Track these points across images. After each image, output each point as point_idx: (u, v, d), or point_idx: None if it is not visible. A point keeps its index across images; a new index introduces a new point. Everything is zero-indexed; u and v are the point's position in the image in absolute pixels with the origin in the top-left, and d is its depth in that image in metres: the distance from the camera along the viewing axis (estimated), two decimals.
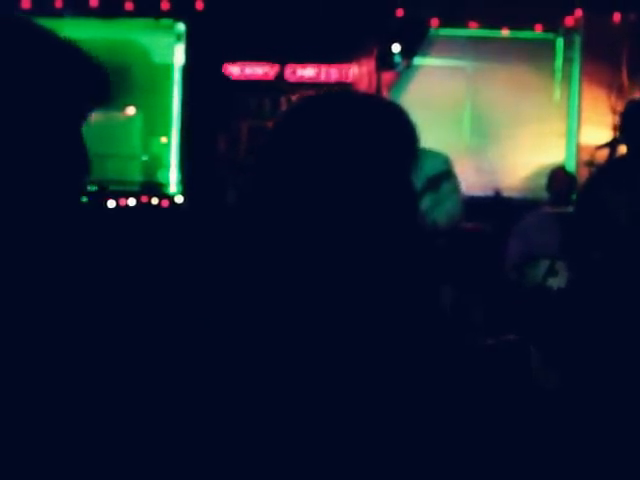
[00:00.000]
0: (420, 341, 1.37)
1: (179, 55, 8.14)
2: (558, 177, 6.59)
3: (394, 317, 1.37)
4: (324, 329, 1.33)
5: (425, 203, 4.23)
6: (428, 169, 4.31)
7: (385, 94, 7.76)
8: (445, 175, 4.41)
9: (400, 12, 7.85)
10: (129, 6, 7.85)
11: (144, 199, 7.92)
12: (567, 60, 8.12)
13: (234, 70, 8.00)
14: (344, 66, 7.98)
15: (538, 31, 8.01)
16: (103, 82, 1.25)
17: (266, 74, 8.02)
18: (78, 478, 1.20)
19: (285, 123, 1.44)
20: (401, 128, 1.43)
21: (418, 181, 4.52)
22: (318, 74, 7.99)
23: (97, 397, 1.26)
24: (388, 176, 1.38)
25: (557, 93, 8.17)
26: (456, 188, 4.51)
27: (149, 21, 8.10)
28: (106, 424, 1.26)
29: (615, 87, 7.81)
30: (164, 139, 8.31)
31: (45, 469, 1.17)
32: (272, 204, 1.36)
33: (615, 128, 7.12)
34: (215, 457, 1.32)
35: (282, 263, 1.35)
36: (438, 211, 4.33)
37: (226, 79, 7.97)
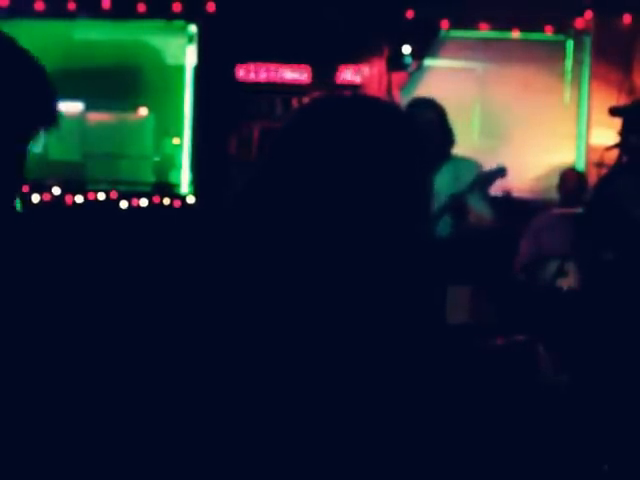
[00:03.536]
0: (416, 341, 1.38)
1: (191, 56, 8.17)
2: (568, 178, 6.60)
3: (389, 319, 1.38)
4: (321, 330, 1.34)
5: (474, 199, 4.83)
6: (466, 171, 4.89)
7: (395, 95, 7.77)
8: (493, 177, 5.05)
9: (410, 13, 7.86)
10: (141, 8, 7.88)
11: (156, 199, 7.95)
12: (577, 62, 8.10)
13: (245, 72, 8.03)
14: (355, 67, 8.00)
15: (548, 33, 8.00)
16: (49, 105, 1.28)
17: (277, 76, 8.04)
18: (78, 477, 1.22)
19: (293, 126, 1.45)
20: (409, 133, 1.44)
21: (466, 179, 5.26)
22: (329, 75, 8.00)
23: (97, 394, 1.27)
24: (393, 180, 1.39)
25: (567, 95, 8.16)
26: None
27: (161, 23, 8.14)
28: (105, 422, 1.27)
29: (625, 89, 7.79)
30: (176, 140, 8.34)
31: (45, 468, 1.18)
32: (275, 204, 1.38)
33: None
34: (212, 456, 1.33)
35: (281, 262, 1.36)
36: (485, 205, 4.93)
37: (237, 80, 8.00)
